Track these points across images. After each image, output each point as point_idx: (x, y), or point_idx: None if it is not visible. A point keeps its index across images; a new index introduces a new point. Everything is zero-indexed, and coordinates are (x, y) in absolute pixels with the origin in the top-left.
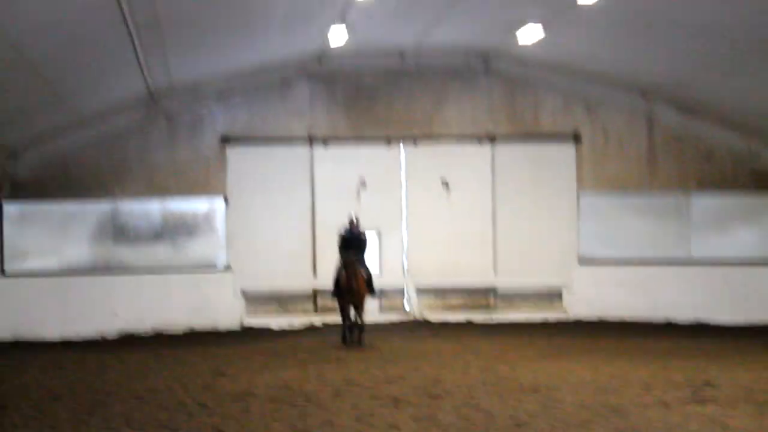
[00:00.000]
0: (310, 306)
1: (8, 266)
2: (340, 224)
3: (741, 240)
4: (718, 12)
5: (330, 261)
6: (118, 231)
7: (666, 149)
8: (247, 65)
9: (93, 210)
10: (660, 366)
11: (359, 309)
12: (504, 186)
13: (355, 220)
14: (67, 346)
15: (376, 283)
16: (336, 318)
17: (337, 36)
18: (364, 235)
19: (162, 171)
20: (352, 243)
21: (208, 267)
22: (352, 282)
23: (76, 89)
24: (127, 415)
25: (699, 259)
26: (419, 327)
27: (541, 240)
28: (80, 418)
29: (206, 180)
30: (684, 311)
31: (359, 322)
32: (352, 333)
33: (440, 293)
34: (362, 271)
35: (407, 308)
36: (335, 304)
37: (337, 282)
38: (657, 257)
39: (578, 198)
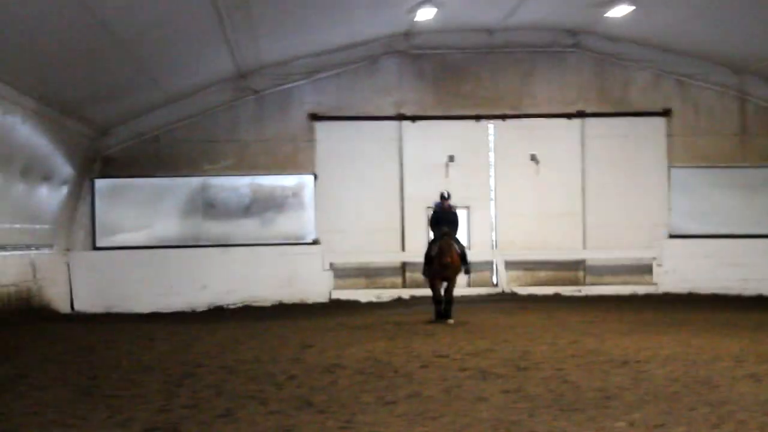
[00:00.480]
0: (398, 279)
1: (100, 241)
2: (430, 200)
3: None
4: None
5: (418, 236)
6: (208, 206)
7: (758, 123)
8: (334, 42)
9: (183, 185)
10: (751, 339)
11: (451, 283)
12: (593, 161)
13: (446, 195)
14: (157, 318)
15: (470, 255)
16: (424, 291)
17: (425, 13)
18: (456, 210)
19: (251, 147)
20: (444, 218)
21: (297, 241)
22: (446, 257)
23: (167, 67)
24: (216, 386)
25: None
26: (507, 300)
27: (631, 214)
28: (170, 389)
29: (295, 156)
30: None
31: (449, 296)
32: (439, 304)
33: (529, 267)
34: (455, 246)
35: (495, 282)
36: (425, 280)
37: (429, 258)
38: (748, 231)
39: (669, 172)
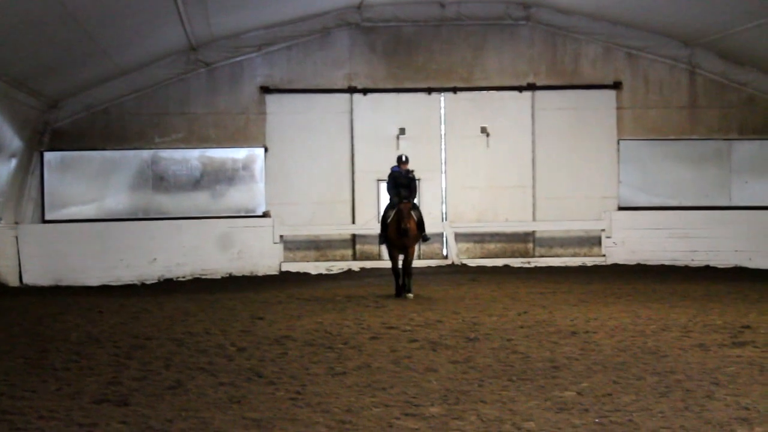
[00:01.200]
0: (348, 252)
1: (49, 214)
2: (380, 172)
3: None
4: None
5: (369, 208)
6: (158, 179)
7: (707, 96)
8: (286, 15)
9: (133, 158)
10: (699, 310)
11: (409, 253)
12: (544, 134)
13: (404, 159)
14: (106, 291)
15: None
16: (374, 263)
17: None
18: (414, 174)
19: (201, 120)
20: (401, 183)
21: (248, 213)
22: (404, 221)
23: (117, 40)
24: (166, 359)
25: (739, 205)
26: (457, 272)
27: (580, 186)
28: (120, 361)
29: (245, 129)
30: (723, 256)
31: (407, 267)
32: (398, 276)
33: (478, 239)
34: (413, 212)
35: (445, 254)
36: (382, 250)
37: (385, 225)
38: (697, 203)
39: (618, 145)
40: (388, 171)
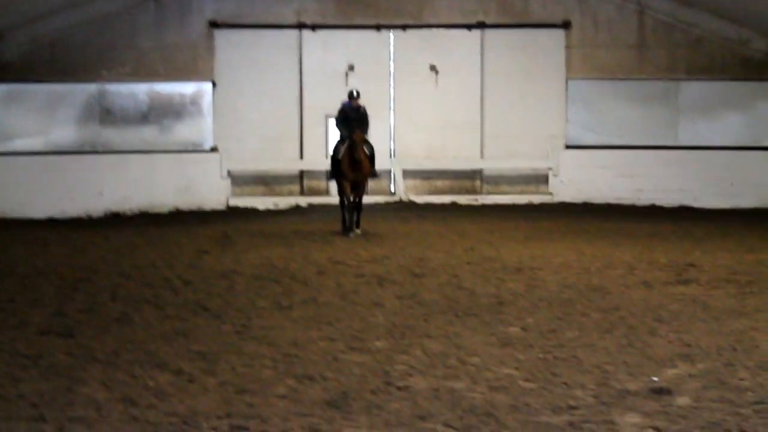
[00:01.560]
0: (296, 187)
1: None
2: (329, 108)
3: (727, 126)
4: None
5: (317, 144)
6: (105, 113)
7: (656, 36)
8: None
9: (80, 92)
10: (644, 248)
11: (360, 188)
12: (493, 73)
13: (355, 94)
14: (53, 224)
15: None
16: (321, 199)
17: None
18: (365, 109)
19: (149, 54)
20: (352, 118)
21: (195, 148)
22: (357, 152)
23: None
24: (112, 291)
25: (685, 145)
26: (405, 209)
27: (529, 125)
28: (65, 293)
29: (194, 64)
30: (669, 196)
31: (358, 203)
32: (351, 216)
33: (426, 176)
34: (365, 146)
35: (393, 191)
36: (330, 186)
37: (336, 159)
38: (644, 143)
39: (567, 84)
40: (338, 107)
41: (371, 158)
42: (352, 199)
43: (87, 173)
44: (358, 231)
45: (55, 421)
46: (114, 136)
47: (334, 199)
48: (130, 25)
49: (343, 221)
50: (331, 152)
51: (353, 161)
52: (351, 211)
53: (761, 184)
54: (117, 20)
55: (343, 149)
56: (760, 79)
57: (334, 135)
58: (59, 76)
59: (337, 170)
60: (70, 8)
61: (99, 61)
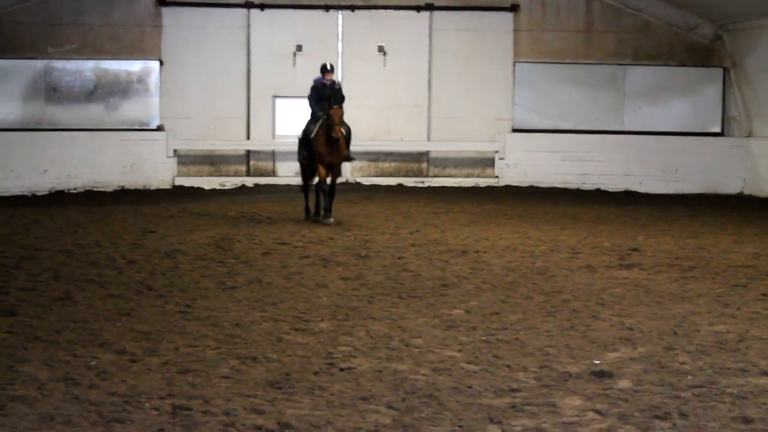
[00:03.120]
0: (242, 168)
1: None
2: (276, 89)
3: (673, 112)
4: None
5: (264, 124)
6: (51, 90)
7: (603, 21)
8: None
9: (25, 68)
10: (588, 232)
11: (335, 171)
12: (440, 54)
13: (329, 67)
14: None
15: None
16: (268, 180)
17: None
18: (340, 85)
19: (96, 31)
20: (326, 96)
21: (141, 127)
22: (334, 131)
23: None
24: (55, 270)
25: (631, 130)
26: (351, 190)
27: (476, 108)
28: (7, 271)
29: (141, 42)
30: (614, 180)
31: (331, 187)
32: (319, 202)
33: (373, 158)
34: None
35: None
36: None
37: (307, 141)
38: (590, 127)
39: (514, 67)
40: (284, 87)
41: (347, 139)
42: (327, 182)
43: (32, 151)
44: (331, 220)
45: None
46: (59, 113)
47: (280, 179)
48: (76, 1)
49: (307, 208)
50: (301, 132)
51: (330, 139)
52: (323, 195)
53: (705, 169)
54: None
55: (314, 130)
56: (706, 65)
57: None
58: (4, 52)
59: (308, 152)
60: None
61: (45, 38)
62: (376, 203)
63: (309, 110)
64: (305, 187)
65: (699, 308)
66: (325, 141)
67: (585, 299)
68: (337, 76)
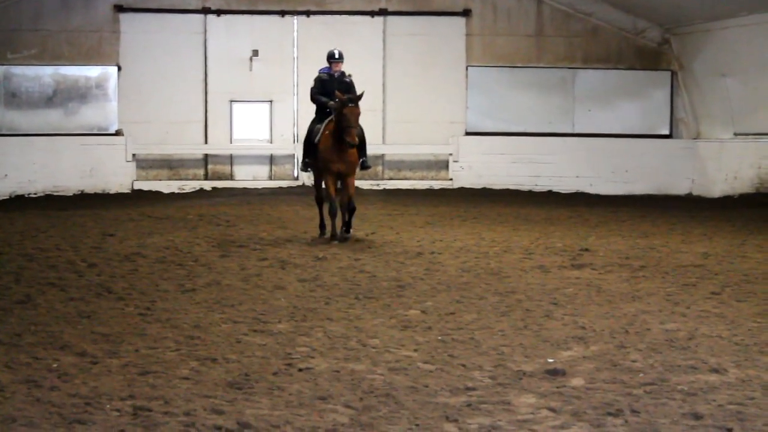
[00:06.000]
0: (200, 171)
1: None
2: (233, 93)
3: (622, 114)
4: None
5: (221, 128)
6: (10, 95)
7: (553, 25)
8: None
9: None
10: (541, 233)
11: (347, 183)
12: (394, 59)
13: (337, 55)
14: None
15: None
16: (226, 183)
17: None
18: (351, 78)
19: (55, 37)
20: (333, 89)
21: (100, 131)
22: (349, 135)
23: None
24: (15, 273)
25: (581, 132)
26: (308, 193)
27: (429, 111)
28: None
29: (99, 47)
30: (566, 182)
31: (348, 199)
32: (333, 216)
33: None
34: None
35: (296, 175)
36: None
37: (311, 145)
38: (541, 130)
39: (467, 71)
40: (241, 91)
41: (361, 144)
42: (335, 197)
43: None
44: (348, 235)
45: None
46: (19, 118)
47: (238, 183)
48: (35, 7)
49: (321, 223)
50: (306, 134)
51: (340, 146)
52: (333, 213)
53: (654, 171)
54: (22, 2)
55: (320, 131)
56: (654, 69)
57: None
58: None
59: (314, 158)
60: None
61: (4, 44)
62: None
63: (313, 108)
64: (319, 198)
65: (650, 307)
66: (333, 145)
67: (538, 299)
68: (293, 79)
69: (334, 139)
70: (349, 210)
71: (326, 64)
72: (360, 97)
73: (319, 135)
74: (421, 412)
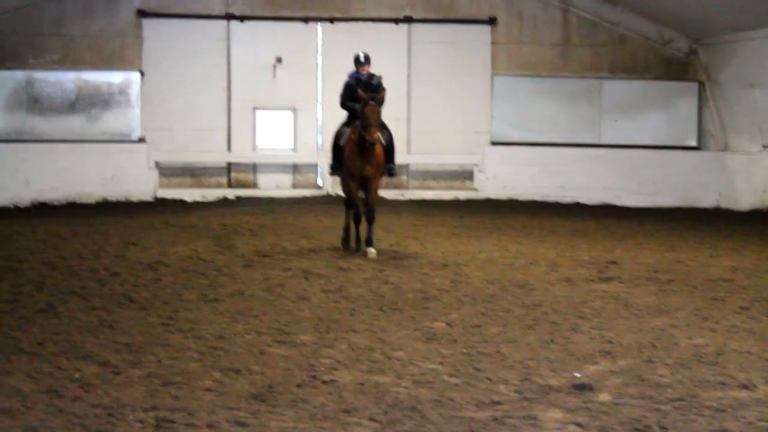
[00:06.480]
0: (224, 179)
1: None
2: (257, 100)
3: (649, 125)
4: None
5: (245, 136)
6: (32, 101)
7: (580, 34)
8: None
9: (6, 79)
10: (567, 245)
11: (372, 189)
12: (419, 67)
13: (363, 58)
14: None
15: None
16: (249, 192)
17: None
18: (381, 81)
19: (77, 42)
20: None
21: (123, 138)
22: (368, 134)
23: None
24: (37, 282)
25: (608, 143)
26: (331, 203)
27: (455, 120)
28: None
29: (122, 53)
30: (592, 193)
31: (369, 210)
32: (357, 222)
33: None
34: (380, 133)
35: (320, 184)
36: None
37: (339, 149)
38: (568, 140)
39: (492, 81)
40: (264, 99)
41: (388, 149)
42: (361, 204)
43: (13, 162)
44: (372, 250)
45: None
46: (41, 124)
47: (261, 192)
48: (57, 12)
49: (346, 233)
50: (333, 138)
51: (362, 148)
52: (357, 220)
53: (681, 183)
54: (44, 7)
55: (346, 133)
56: (682, 79)
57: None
58: None
59: (340, 162)
60: None
61: (26, 49)
62: None
63: (338, 114)
64: (347, 206)
65: (678, 321)
66: (356, 149)
67: (565, 312)
68: (317, 87)
69: (360, 143)
70: (369, 219)
71: (354, 69)
72: (382, 95)
73: (345, 138)
74: (446, 426)
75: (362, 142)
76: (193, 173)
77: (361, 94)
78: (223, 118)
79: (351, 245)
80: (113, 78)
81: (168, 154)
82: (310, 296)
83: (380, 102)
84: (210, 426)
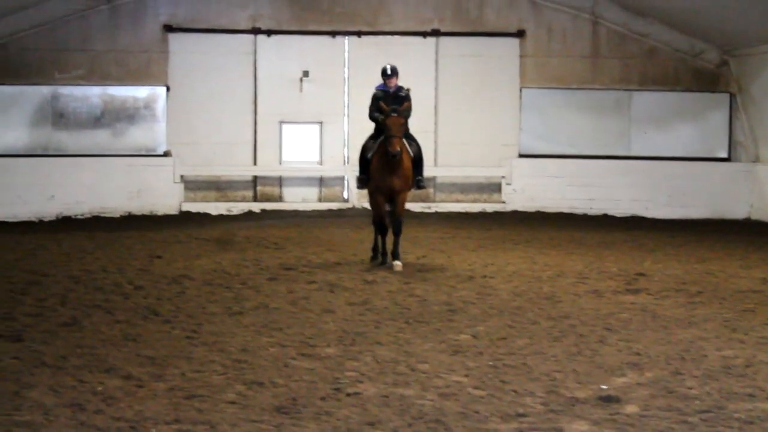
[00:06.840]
0: (249, 193)
1: None
2: (283, 114)
3: (679, 137)
4: None
5: (270, 150)
6: (58, 115)
7: (609, 47)
8: None
9: (32, 94)
10: (595, 257)
11: (398, 202)
12: (447, 80)
13: (390, 71)
14: (3, 228)
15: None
16: (275, 205)
17: None
18: (409, 93)
19: (103, 57)
20: (389, 104)
21: (148, 153)
22: (392, 146)
23: None
24: (62, 295)
25: (637, 155)
26: (358, 216)
27: (482, 133)
28: (14, 297)
29: (148, 67)
30: (621, 205)
31: (396, 223)
32: (383, 234)
33: None
34: (407, 145)
35: (347, 197)
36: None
37: (366, 162)
38: (596, 152)
39: (520, 93)
40: (291, 113)
41: (417, 160)
42: (387, 218)
43: (39, 176)
44: (398, 263)
45: (1, 425)
46: (66, 139)
47: (287, 205)
48: (83, 27)
49: (375, 252)
50: (360, 150)
51: (388, 160)
52: (384, 232)
53: (712, 195)
54: (70, 23)
55: (374, 146)
56: (712, 91)
57: (291, 140)
58: (11, 78)
59: (368, 175)
60: (22, 10)
61: (52, 64)
62: None
63: (365, 128)
64: (375, 219)
65: (706, 333)
66: (385, 162)
67: (592, 324)
68: (344, 100)
69: (386, 156)
70: (395, 232)
71: (382, 82)
72: (405, 105)
73: (372, 151)
74: None
75: (387, 154)
76: (219, 187)
77: (383, 106)
78: (249, 131)
79: (378, 258)
80: (139, 93)
81: (193, 168)
82: (335, 309)
83: (404, 113)
84: None
